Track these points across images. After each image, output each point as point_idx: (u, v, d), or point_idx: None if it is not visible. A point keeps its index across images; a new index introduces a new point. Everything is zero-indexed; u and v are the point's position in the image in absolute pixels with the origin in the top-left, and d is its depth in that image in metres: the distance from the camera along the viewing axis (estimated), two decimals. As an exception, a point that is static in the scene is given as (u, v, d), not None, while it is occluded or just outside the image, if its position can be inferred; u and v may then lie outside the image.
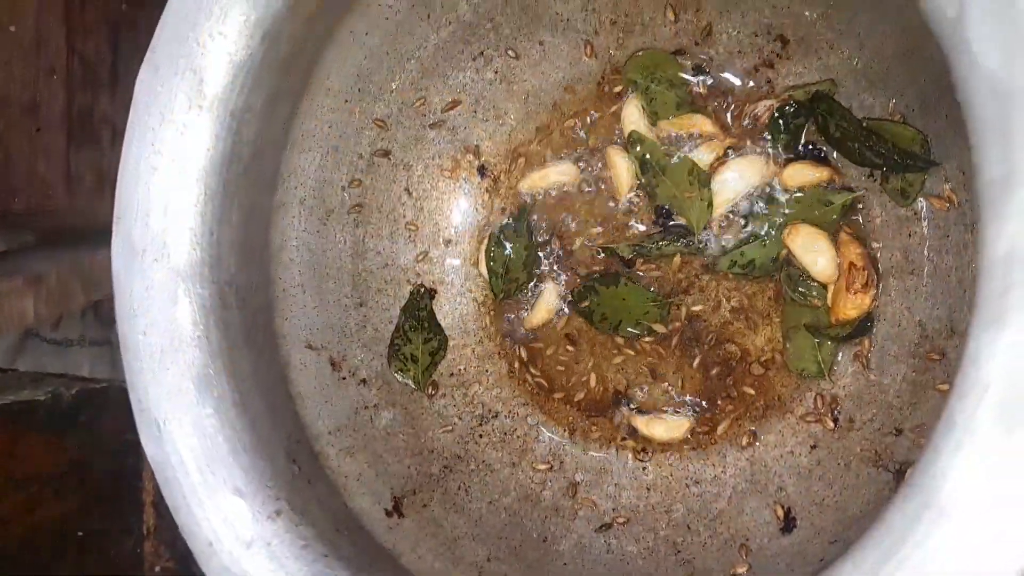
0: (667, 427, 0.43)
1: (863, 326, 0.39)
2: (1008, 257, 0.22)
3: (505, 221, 0.47)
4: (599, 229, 0.46)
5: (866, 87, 0.39)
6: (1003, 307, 0.22)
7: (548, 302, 0.46)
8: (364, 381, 0.44)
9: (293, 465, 0.36)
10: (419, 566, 0.38)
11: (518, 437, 0.46)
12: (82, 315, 0.77)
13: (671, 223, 0.44)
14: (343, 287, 0.45)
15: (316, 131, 0.42)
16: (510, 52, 0.45)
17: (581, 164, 0.46)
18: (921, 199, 0.38)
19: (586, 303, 0.44)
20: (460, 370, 0.47)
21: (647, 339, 0.44)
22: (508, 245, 0.46)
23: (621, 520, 0.42)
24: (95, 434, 0.66)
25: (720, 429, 0.43)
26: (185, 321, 0.33)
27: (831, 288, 0.40)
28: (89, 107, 0.63)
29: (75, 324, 0.76)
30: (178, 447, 0.31)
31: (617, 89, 0.45)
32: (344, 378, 0.44)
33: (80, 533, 0.63)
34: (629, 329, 0.44)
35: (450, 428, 0.45)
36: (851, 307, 0.39)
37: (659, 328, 0.44)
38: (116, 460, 0.68)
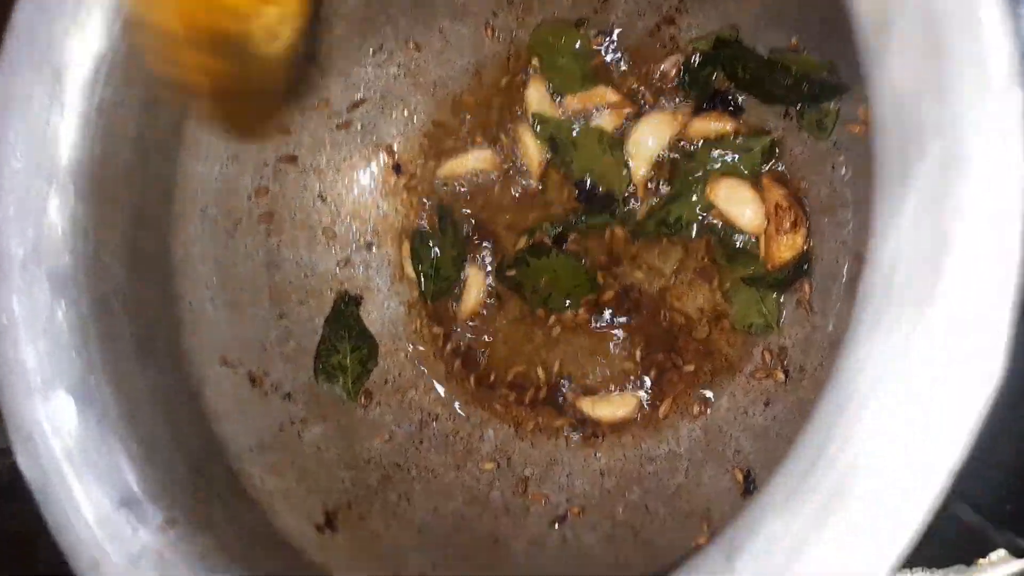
0: (614, 406, 0.40)
1: (799, 268, 0.37)
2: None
3: (425, 219, 0.45)
4: (524, 212, 0.44)
5: (766, 27, 0.38)
6: (903, 182, 0.20)
7: (476, 285, 0.43)
8: (289, 395, 0.42)
9: (199, 479, 0.33)
10: (353, 580, 0.34)
11: (461, 439, 0.43)
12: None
13: (594, 193, 0.42)
14: (259, 300, 0.42)
15: (212, 136, 0.40)
16: (410, 44, 0.44)
17: (497, 148, 0.44)
18: (838, 128, 0.36)
19: (514, 272, 0.42)
20: (395, 376, 0.44)
21: (583, 315, 0.42)
22: (433, 244, 0.44)
23: (575, 510, 0.39)
24: (34, 505, 0.62)
25: (669, 401, 0.40)
26: (61, 329, 0.30)
27: (763, 238, 0.38)
28: None
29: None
30: (56, 461, 0.29)
31: (523, 67, 0.43)
32: (266, 394, 0.41)
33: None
34: (561, 302, 0.42)
35: (387, 437, 0.43)
36: (784, 249, 0.37)
37: (592, 298, 0.42)
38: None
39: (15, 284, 0.31)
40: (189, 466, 0.32)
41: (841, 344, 0.21)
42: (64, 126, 0.31)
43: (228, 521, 0.32)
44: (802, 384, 0.37)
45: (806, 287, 0.38)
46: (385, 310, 0.45)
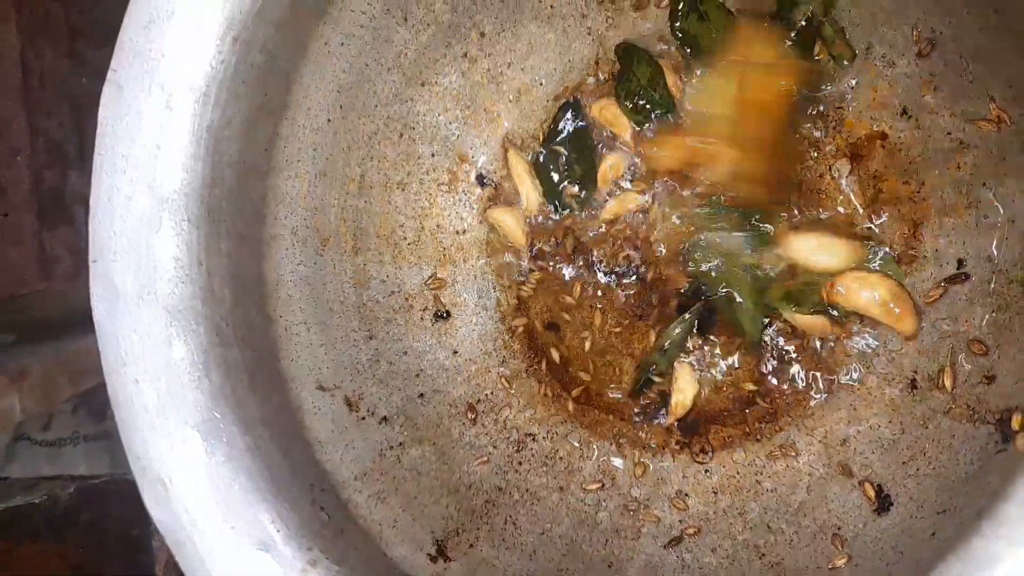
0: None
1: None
2: None
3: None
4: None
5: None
6: None
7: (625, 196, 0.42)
8: (385, 419, 0.40)
9: (321, 513, 0.31)
10: (477, 612, 0.33)
11: (561, 459, 0.42)
12: (73, 411, 0.72)
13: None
14: (349, 321, 0.41)
15: (300, 155, 0.39)
16: (495, 50, 0.42)
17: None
18: (965, 124, 0.35)
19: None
20: (487, 395, 0.43)
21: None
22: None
23: (691, 531, 0.38)
24: (99, 534, 0.61)
25: (783, 414, 0.39)
26: (182, 363, 0.29)
27: None
28: (58, 186, 0.60)
29: (67, 421, 0.71)
30: (188, 505, 0.27)
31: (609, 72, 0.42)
32: (363, 418, 0.39)
33: (92, 645, 0.57)
34: None
35: (485, 459, 0.41)
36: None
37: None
38: (125, 560, 0.62)
39: (129, 319, 0.29)
40: (311, 500, 0.31)
41: None
42: (176, 148, 0.30)
43: (356, 556, 0.30)
44: (933, 394, 0.35)
45: (933, 293, 0.36)
46: (473, 326, 0.44)
